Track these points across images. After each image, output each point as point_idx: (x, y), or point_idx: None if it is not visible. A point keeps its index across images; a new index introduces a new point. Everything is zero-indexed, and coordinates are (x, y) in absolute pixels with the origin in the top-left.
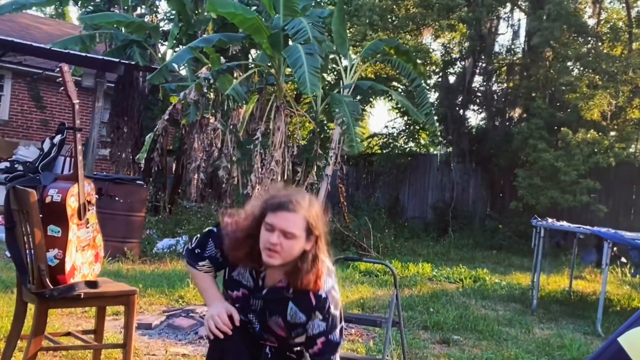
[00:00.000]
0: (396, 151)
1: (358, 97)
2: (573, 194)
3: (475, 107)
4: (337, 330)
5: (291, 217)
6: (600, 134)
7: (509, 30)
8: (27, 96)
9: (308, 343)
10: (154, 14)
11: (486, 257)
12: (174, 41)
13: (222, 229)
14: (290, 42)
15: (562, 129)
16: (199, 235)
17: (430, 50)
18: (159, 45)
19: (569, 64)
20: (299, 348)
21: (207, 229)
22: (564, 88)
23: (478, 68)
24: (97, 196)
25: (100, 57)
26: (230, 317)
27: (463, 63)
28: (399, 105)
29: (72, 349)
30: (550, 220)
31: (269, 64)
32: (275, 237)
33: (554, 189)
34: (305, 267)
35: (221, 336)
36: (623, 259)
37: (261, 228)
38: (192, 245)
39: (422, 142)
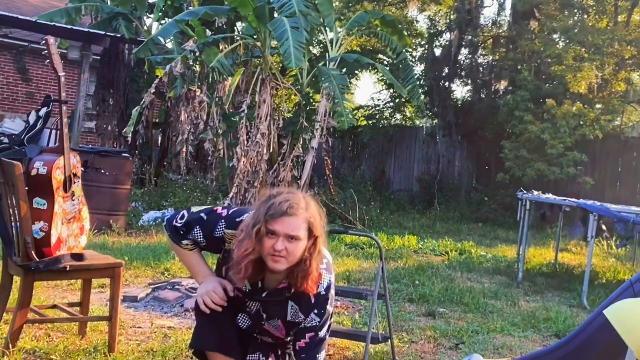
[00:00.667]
0: (382, 123)
1: (344, 70)
2: (560, 166)
3: (461, 80)
4: (326, 327)
5: (293, 221)
6: (586, 106)
7: (494, 2)
8: (13, 69)
9: (296, 336)
10: None
11: (472, 230)
12: (160, 14)
13: (214, 215)
14: (275, 15)
15: (547, 100)
16: (185, 213)
17: (416, 22)
18: (145, 17)
19: (554, 36)
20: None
21: (197, 212)
22: (549, 60)
23: (464, 40)
24: (82, 169)
25: (86, 29)
26: (225, 291)
27: (449, 35)
28: (384, 78)
29: (57, 322)
30: (535, 192)
31: (254, 37)
32: (280, 244)
33: (540, 161)
34: (306, 267)
35: (219, 310)
36: (606, 234)
37: (262, 239)
38: (178, 223)
39: (408, 114)
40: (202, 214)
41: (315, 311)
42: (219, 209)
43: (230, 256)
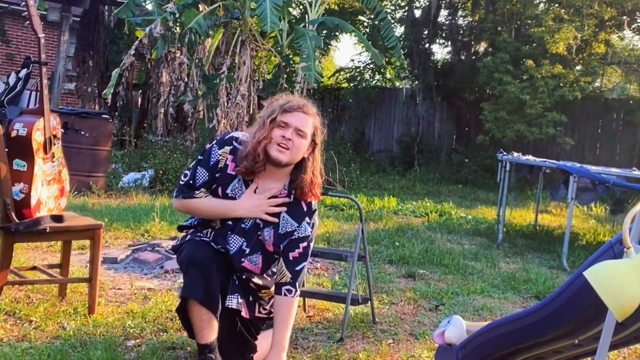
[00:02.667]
0: (362, 85)
1: (324, 32)
2: (539, 126)
3: (441, 41)
4: (313, 240)
5: (305, 118)
6: (566, 67)
7: None
8: None
9: (290, 247)
10: None
11: (452, 191)
12: None
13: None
14: None
15: (525, 60)
16: (187, 172)
17: None
18: None
19: None
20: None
21: (195, 161)
22: (529, 22)
23: (443, 2)
24: (62, 130)
25: None
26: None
27: None
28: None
29: (37, 283)
30: (515, 154)
31: None
32: (289, 133)
33: (520, 122)
34: (307, 170)
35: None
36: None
37: (274, 127)
38: (183, 180)
39: (388, 76)
40: (199, 157)
41: (307, 220)
42: (207, 147)
43: (223, 175)
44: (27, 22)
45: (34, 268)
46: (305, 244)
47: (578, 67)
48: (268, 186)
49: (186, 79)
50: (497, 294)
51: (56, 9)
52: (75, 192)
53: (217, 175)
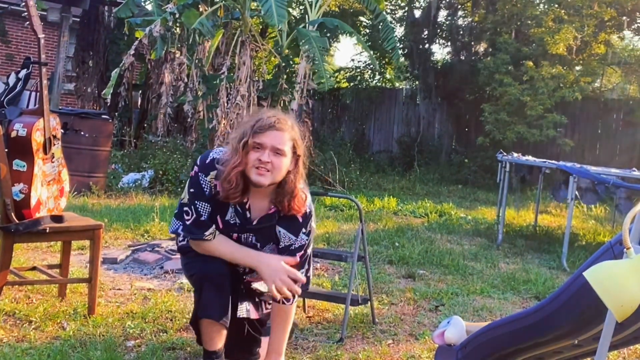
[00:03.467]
0: (362, 85)
1: (327, 34)
2: (539, 128)
3: (441, 42)
4: (312, 244)
5: (280, 135)
6: (565, 68)
7: None
8: None
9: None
10: None
11: (452, 192)
12: None
13: (200, 173)
14: None
15: (525, 62)
16: (187, 209)
17: None
18: None
19: None
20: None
21: (182, 199)
22: (529, 22)
23: (443, 2)
24: (62, 130)
25: None
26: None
27: None
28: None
29: (37, 284)
30: (515, 154)
31: None
32: (266, 155)
33: (520, 123)
34: (291, 188)
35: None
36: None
37: (248, 151)
38: (189, 219)
39: (388, 76)
40: (186, 193)
41: (304, 230)
42: (191, 174)
43: (218, 203)
44: (27, 22)
45: (34, 268)
46: (301, 252)
47: (578, 68)
48: (258, 205)
49: (186, 80)
50: (496, 295)
51: (56, 9)
52: (75, 193)
53: (213, 201)
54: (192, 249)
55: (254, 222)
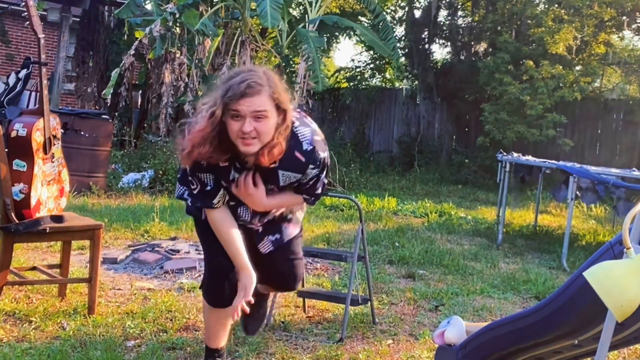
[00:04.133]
0: (362, 85)
1: (324, 33)
2: (539, 128)
3: (441, 41)
4: (326, 171)
5: (256, 100)
6: (565, 68)
7: None
8: None
9: (299, 187)
10: None
11: (452, 192)
12: None
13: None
14: None
15: (525, 61)
16: (192, 179)
17: None
18: None
19: None
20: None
21: (190, 170)
22: (529, 22)
23: (443, 2)
24: (62, 130)
25: None
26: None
27: None
28: (364, 40)
29: (37, 284)
30: (515, 154)
31: None
32: (247, 125)
33: (520, 123)
34: (272, 144)
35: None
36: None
37: (227, 121)
38: (195, 189)
39: (388, 76)
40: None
41: (311, 166)
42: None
43: (218, 169)
44: (27, 22)
45: (34, 268)
46: (313, 180)
47: (578, 68)
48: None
49: (186, 80)
50: (496, 295)
51: (56, 9)
52: (75, 193)
53: (211, 170)
54: (198, 216)
55: (250, 168)
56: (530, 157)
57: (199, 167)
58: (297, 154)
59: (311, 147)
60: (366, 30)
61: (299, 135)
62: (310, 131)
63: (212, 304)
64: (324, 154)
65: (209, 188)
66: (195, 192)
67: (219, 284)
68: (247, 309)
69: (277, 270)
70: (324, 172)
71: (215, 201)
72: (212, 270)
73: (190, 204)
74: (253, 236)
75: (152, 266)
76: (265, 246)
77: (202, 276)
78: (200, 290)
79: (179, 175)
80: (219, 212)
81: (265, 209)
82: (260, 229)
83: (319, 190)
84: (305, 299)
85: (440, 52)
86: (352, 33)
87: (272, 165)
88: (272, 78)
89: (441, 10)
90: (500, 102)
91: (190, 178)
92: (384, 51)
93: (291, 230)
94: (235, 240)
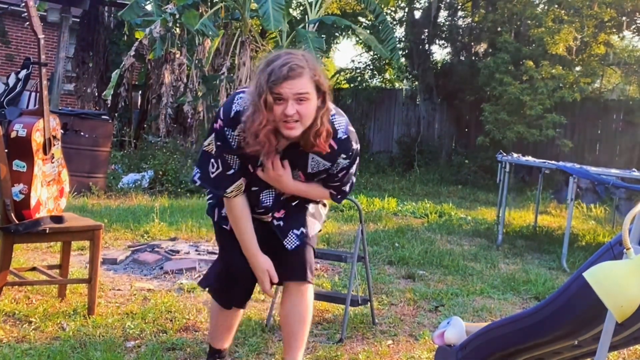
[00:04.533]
0: (363, 86)
1: (323, 33)
2: (539, 128)
3: (441, 42)
4: (356, 164)
5: (298, 83)
6: (565, 68)
7: None
8: None
9: (327, 179)
10: None
11: (452, 192)
12: None
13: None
14: None
15: (525, 61)
16: (213, 162)
17: None
18: None
19: None
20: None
21: (206, 149)
22: (529, 22)
23: (443, 2)
24: (62, 131)
25: None
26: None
27: None
28: (363, 40)
29: (37, 284)
30: (515, 155)
31: None
32: (290, 108)
33: (520, 123)
34: (315, 126)
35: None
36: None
37: (272, 107)
38: (214, 172)
39: (388, 77)
40: (213, 144)
41: (343, 155)
42: (215, 127)
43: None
44: (27, 23)
45: (34, 269)
46: (343, 172)
47: (578, 68)
48: (292, 147)
49: (186, 80)
50: (496, 295)
51: (56, 9)
52: (75, 193)
53: (242, 153)
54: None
55: (280, 150)
56: (530, 158)
57: (228, 148)
58: (331, 141)
59: (346, 135)
60: (364, 31)
61: (335, 122)
62: (346, 121)
63: (223, 305)
64: (356, 145)
65: (230, 172)
66: (213, 174)
67: (232, 285)
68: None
69: (293, 260)
70: (354, 166)
71: (229, 189)
72: (227, 271)
73: (207, 188)
74: (277, 233)
75: (152, 267)
76: (291, 241)
77: (202, 276)
78: (202, 289)
79: (199, 158)
80: (239, 201)
81: (291, 192)
82: (282, 223)
83: (347, 188)
84: None
85: (440, 52)
86: (351, 33)
87: (304, 150)
88: (311, 60)
89: (441, 10)
90: (500, 102)
91: (213, 160)
92: (382, 52)
93: (316, 226)
94: (251, 229)
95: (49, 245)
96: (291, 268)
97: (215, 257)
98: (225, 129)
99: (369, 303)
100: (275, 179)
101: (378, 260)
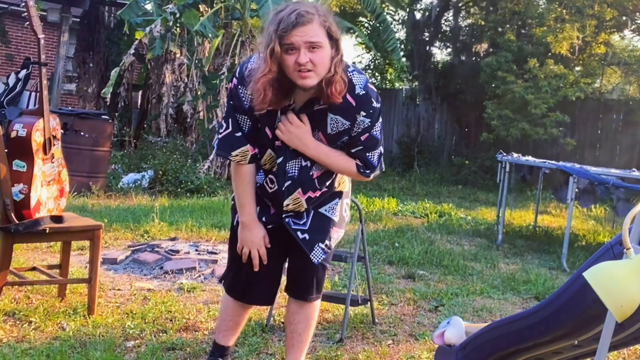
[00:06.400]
0: None
1: None
2: (543, 127)
3: (442, 42)
4: (379, 124)
5: (309, 29)
6: (566, 68)
7: None
8: None
9: (350, 145)
10: None
11: (452, 192)
12: None
13: (233, 88)
14: None
15: (529, 59)
16: (223, 122)
17: None
18: None
19: None
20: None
21: (228, 109)
22: (530, 22)
23: (444, 2)
24: (62, 131)
25: None
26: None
27: (430, 0)
28: (363, 41)
29: (37, 284)
30: (515, 155)
31: None
32: (302, 56)
33: (524, 121)
34: (333, 75)
35: (256, 264)
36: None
37: (282, 57)
38: (222, 132)
39: (388, 77)
40: (230, 104)
41: (363, 113)
42: (230, 86)
43: (264, 114)
44: (27, 22)
45: (34, 269)
46: (366, 135)
47: (578, 68)
48: (302, 98)
49: (186, 80)
50: (496, 295)
51: (56, 9)
52: (75, 193)
53: (257, 114)
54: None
55: (296, 110)
56: (530, 158)
57: (240, 107)
58: (349, 97)
59: (364, 91)
60: (362, 35)
61: (353, 78)
62: (365, 79)
63: (237, 298)
64: (377, 104)
65: (238, 134)
66: (221, 135)
67: (246, 278)
68: (265, 259)
69: (307, 280)
70: (377, 129)
71: (234, 152)
72: (242, 265)
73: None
74: (303, 246)
75: (152, 266)
76: (318, 255)
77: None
78: (222, 283)
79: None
80: (247, 170)
81: (315, 154)
82: (307, 236)
83: (374, 158)
84: None
85: (440, 53)
86: (352, 32)
87: (321, 107)
88: (321, 7)
89: (442, 11)
90: (503, 101)
91: (223, 121)
92: (382, 53)
93: (339, 233)
94: (252, 196)
95: (49, 245)
96: (303, 288)
97: (215, 256)
98: (239, 87)
99: (369, 303)
100: (296, 137)
101: (378, 260)
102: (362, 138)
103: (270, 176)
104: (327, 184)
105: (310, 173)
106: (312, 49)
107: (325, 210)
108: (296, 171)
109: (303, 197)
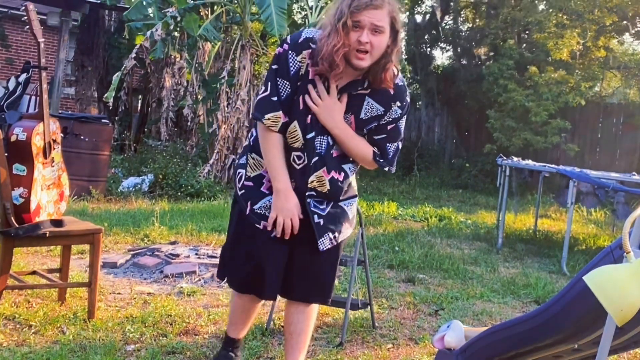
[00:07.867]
0: None
1: None
2: (544, 135)
3: (443, 47)
4: (404, 119)
5: (378, 13)
6: (567, 73)
7: None
8: None
9: (375, 132)
10: None
11: (452, 196)
12: None
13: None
14: None
15: (529, 67)
16: (263, 86)
17: None
18: None
19: (536, 1)
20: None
21: (269, 73)
22: (531, 27)
23: (445, 7)
24: (62, 135)
25: None
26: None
27: (431, 3)
28: None
29: (37, 288)
30: (515, 158)
31: (234, 3)
32: (365, 36)
33: (526, 130)
34: (385, 61)
35: (287, 233)
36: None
37: (348, 32)
38: (261, 95)
39: None
40: (272, 68)
41: (398, 103)
42: (279, 50)
43: (305, 83)
44: (27, 26)
45: (34, 272)
46: (392, 125)
47: (577, 72)
48: (348, 78)
49: (186, 84)
50: (496, 299)
51: (56, 13)
52: (75, 197)
53: (298, 84)
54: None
55: (339, 88)
56: (530, 162)
57: (284, 72)
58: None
59: (402, 83)
60: None
61: (394, 70)
62: (401, 76)
63: (239, 290)
64: (408, 98)
65: (275, 98)
66: (259, 96)
67: (244, 269)
68: (297, 229)
69: (316, 273)
70: (402, 124)
71: (267, 115)
72: (241, 256)
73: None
74: (315, 229)
75: (152, 270)
76: (325, 243)
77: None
78: (221, 280)
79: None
80: (276, 137)
81: (341, 132)
82: (322, 221)
83: (391, 151)
84: None
85: (441, 57)
86: None
87: (361, 91)
88: (393, 0)
89: (443, 15)
90: (505, 109)
91: (262, 84)
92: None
93: (348, 231)
94: (284, 158)
95: (49, 249)
96: (305, 286)
97: (215, 260)
98: (290, 52)
99: (369, 307)
100: (329, 111)
101: (378, 263)
102: (389, 127)
103: (296, 153)
104: (346, 168)
105: (331, 152)
106: (375, 32)
107: (344, 204)
108: (324, 149)
109: (327, 176)
